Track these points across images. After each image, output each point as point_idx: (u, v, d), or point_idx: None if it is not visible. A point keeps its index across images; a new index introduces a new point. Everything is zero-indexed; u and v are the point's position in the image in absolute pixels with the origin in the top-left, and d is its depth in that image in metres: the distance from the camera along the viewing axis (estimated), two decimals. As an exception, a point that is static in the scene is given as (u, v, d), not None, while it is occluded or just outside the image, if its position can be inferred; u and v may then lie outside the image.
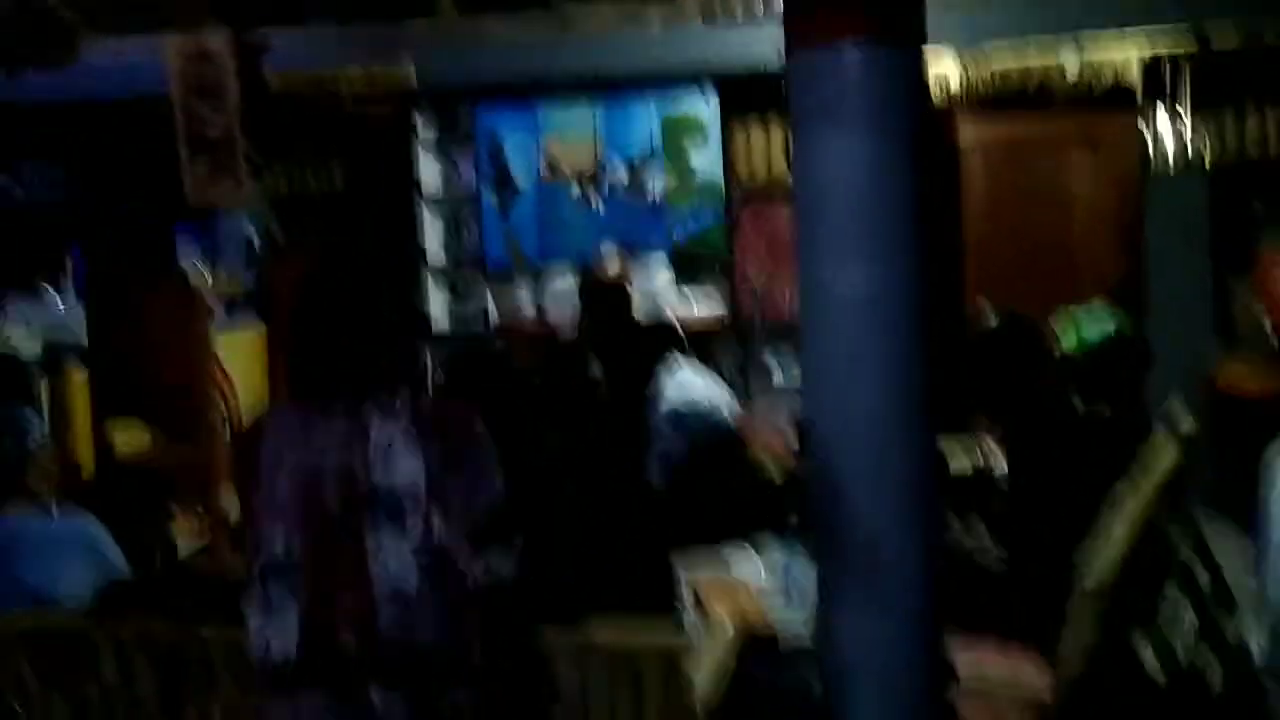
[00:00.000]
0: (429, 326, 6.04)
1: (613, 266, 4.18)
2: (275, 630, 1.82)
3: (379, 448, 1.83)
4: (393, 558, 1.81)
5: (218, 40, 5.41)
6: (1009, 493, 3.19)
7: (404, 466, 1.82)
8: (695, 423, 3.74)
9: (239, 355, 5.14)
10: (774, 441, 4.00)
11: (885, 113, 1.94)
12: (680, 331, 4.11)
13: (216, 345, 4.56)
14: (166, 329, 4.12)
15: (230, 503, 4.05)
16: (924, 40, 2.07)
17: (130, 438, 4.15)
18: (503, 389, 2.98)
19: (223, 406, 4.86)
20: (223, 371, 4.89)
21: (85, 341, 4.42)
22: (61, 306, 4.80)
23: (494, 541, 1.86)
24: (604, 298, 4.00)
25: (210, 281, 5.29)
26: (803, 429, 3.89)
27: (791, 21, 2.03)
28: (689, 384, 3.86)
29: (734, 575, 3.31)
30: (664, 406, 3.79)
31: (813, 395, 2.06)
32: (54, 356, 4.33)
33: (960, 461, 3.62)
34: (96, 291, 5.53)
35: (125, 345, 4.15)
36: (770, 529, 3.42)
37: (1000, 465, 3.43)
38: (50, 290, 4.91)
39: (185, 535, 4.27)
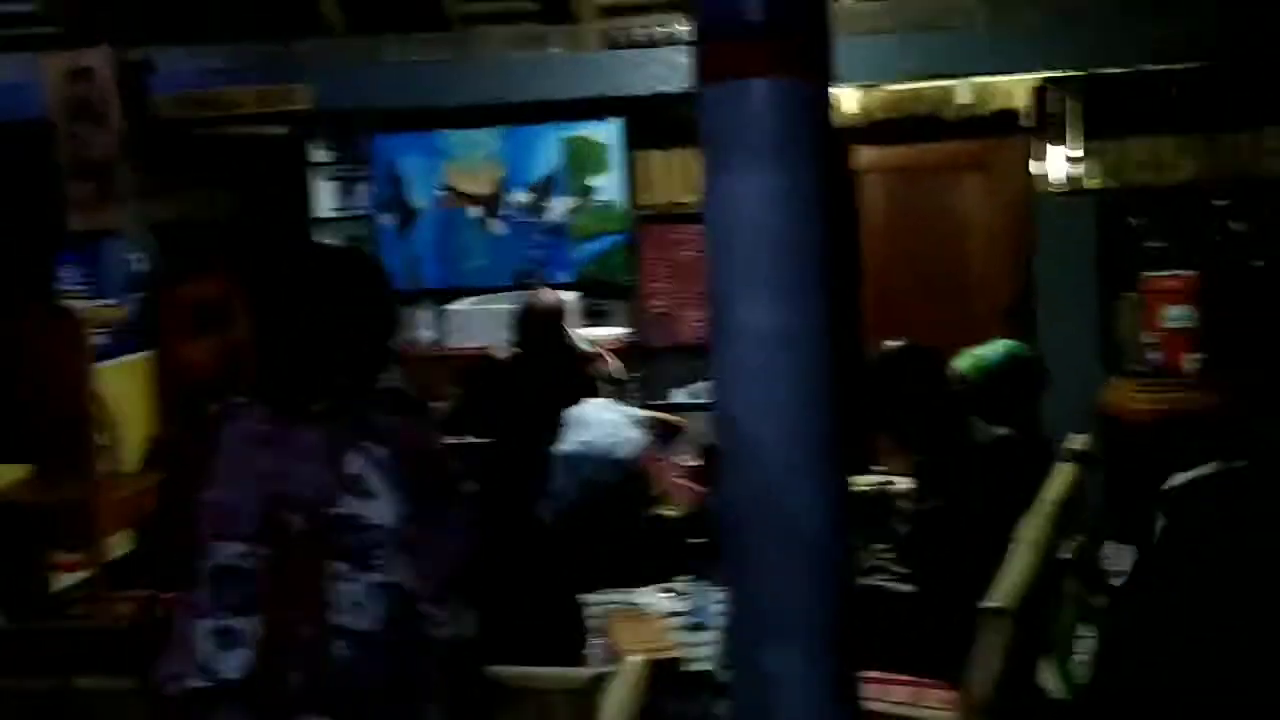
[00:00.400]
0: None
1: (549, 296, 4.18)
2: (221, 641, 1.71)
3: (351, 476, 1.73)
4: (351, 590, 1.71)
5: (99, 59, 5.24)
6: (913, 515, 3.22)
7: (376, 501, 1.73)
8: (587, 465, 3.73)
9: (123, 386, 4.95)
10: (678, 479, 4.01)
11: (795, 147, 1.94)
12: (608, 363, 4.11)
13: (98, 376, 4.39)
14: (44, 360, 3.95)
15: (111, 544, 3.88)
16: (831, 75, 2.08)
17: (2, 475, 3.95)
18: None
19: (104, 440, 4.67)
20: (103, 404, 4.70)
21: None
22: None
23: (461, 596, 1.77)
24: (541, 327, 3.99)
25: (91, 309, 5.09)
26: (710, 457, 3.93)
27: (701, 55, 2.01)
28: (591, 421, 3.83)
29: (641, 605, 3.31)
30: (562, 446, 3.77)
31: (724, 430, 2.03)
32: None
33: (861, 480, 3.67)
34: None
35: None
36: (675, 566, 3.41)
37: (901, 483, 3.48)
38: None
39: (62, 579, 4.09)
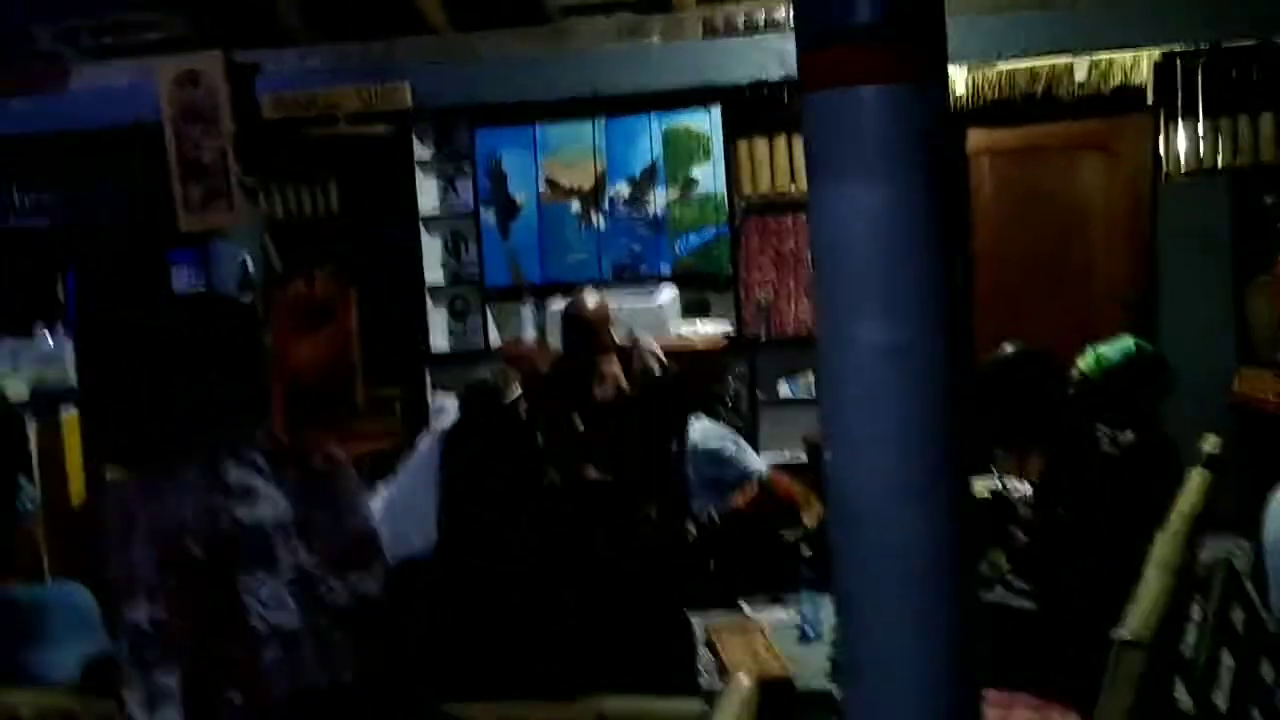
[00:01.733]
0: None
1: (591, 300, 3.98)
2: (152, 702, 1.75)
3: (237, 486, 1.77)
4: (268, 595, 1.75)
5: (208, 63, 5.33)
6: (1034, 526, 3.09)
7: (263, 500, 1.77)
8: (724, 474, 3.66)
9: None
10: (794, 488, 3.90)
11: (908, 157, 1.83)
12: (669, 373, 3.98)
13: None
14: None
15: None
16: (946, 76, 1.96)
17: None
18: (501, 429, 2.86)
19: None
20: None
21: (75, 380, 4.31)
22: (51, 342, 4.69)
23: (357, 566, 1.81)
24: (584, 332, 3.87)
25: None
26: (814, 454, 3.82)
27: (805, 61, 1.92)
28: (713, 432, 3.77)
29: (749, 617, 3.24)
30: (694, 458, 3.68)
31: (836, 452, 1.95)
32: (44, 399, 4.22)
33: (979, 486, 3.53)
34: (87, 322, 5.44)
35: (121, 380, 4.03)
36: (788, 578, 3.33)
37: (1021, 488, 3.34)
38: (41, 326, 4.81)
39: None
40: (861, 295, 1.89)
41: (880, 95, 1.82)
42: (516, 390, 3.87)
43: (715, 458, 3.67)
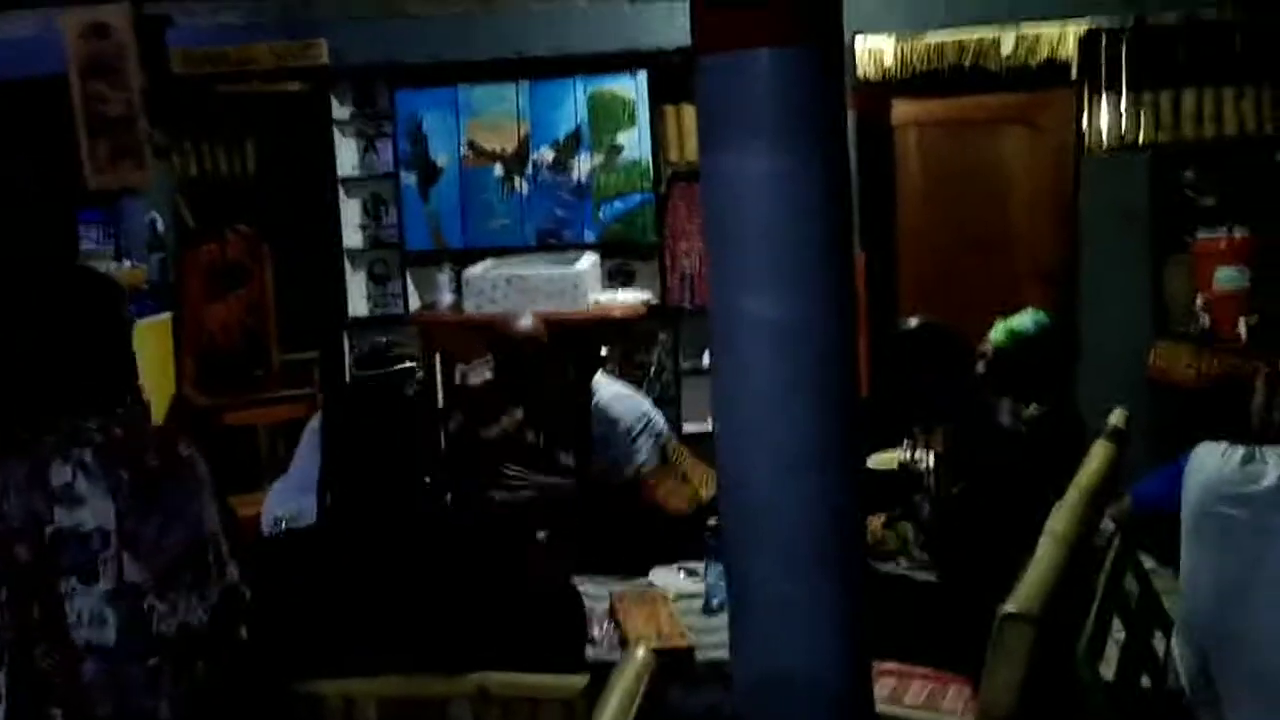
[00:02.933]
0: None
1: (525, 322, 3.80)
2: None
3: (60, 487, 1.69)
4: (86, 607, 1.68)
5: (116, 14, 5.16)
6: (937, 498, 3.11)
7: (87, 505, 1.68)
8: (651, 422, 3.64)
9: (146, 348, 4.93)
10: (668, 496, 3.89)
11: (802, 124, 1.81)
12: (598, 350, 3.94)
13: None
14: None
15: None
16: (842, 40, 1.93)
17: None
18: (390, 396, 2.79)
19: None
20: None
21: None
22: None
23: (187, 586, 1.72)
24: (518, 356, 3.70)
25: (112, 270, 5.07)
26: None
27: (701, 21, 1.89)
28: (617, 386, 3.75)
29: (654, 586, 3.23)
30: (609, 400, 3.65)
31: (724, 423, 1.94)
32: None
33: (887, 457, 3.54)
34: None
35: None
36: (690, 546, 3.33)
37: (928, 460, 3.36)
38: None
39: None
40: (752, 266, 1.87)
41: (774, 58, 1.79)
42: (409, 361, 3.81)
43: (603, 434, 3.62)
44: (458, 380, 4.08)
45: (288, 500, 3.52)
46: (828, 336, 1.83)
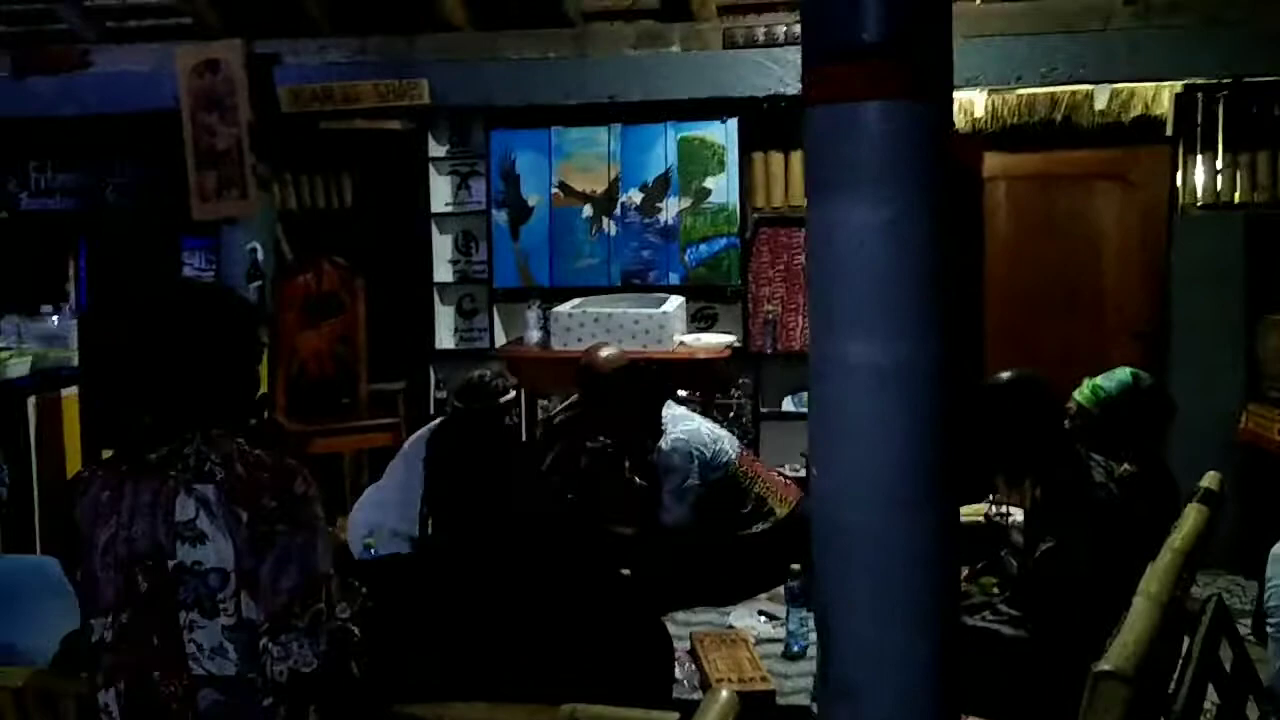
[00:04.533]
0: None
1: (609, 351, 3.92)
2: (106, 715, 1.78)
3: (184, 523, 1.73)
4: (206, 640, 1.73)
5: (228, 51, 5.36)
6: (1026, 553, 3.07)
7: (209, 544, 1.72)
8: (700, 458, 3.66)
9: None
10: (779, 482, 3.90)
11: (908, 175, 1.83)
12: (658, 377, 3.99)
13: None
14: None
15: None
16: (949, 95, 1.95)
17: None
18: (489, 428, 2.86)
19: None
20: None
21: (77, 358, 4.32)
22: (56, 322, 4.70)
23: (295, 630, 1.74)
24: (599, 387, 3.79)
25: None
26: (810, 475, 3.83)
27: (811, 75, 1.91)
28: (688, 415, 3.80)
29: (735, 628, 3.23)
30: (670, 438, 3.68)
31: (822, 469, 1.94)
32: (45, 378, 4.24)
33: (973, 510, 3.52)
34: (95, 305, 5.47)
35: (115, 364, 4.05)
36: (772, 580, 3.33)
37: (1016, 514, 3.33)
38: (48, 306, 4.83)
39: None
40: (855, 312, 1.88)
41: (883, 111, 1.81)
42: (510, 393, 3.89)
43: (674, 472, 3.64)
44: (545, 415, 4.17)
45: (372, 515, 3.61)
46: (930, 382, 1.83)
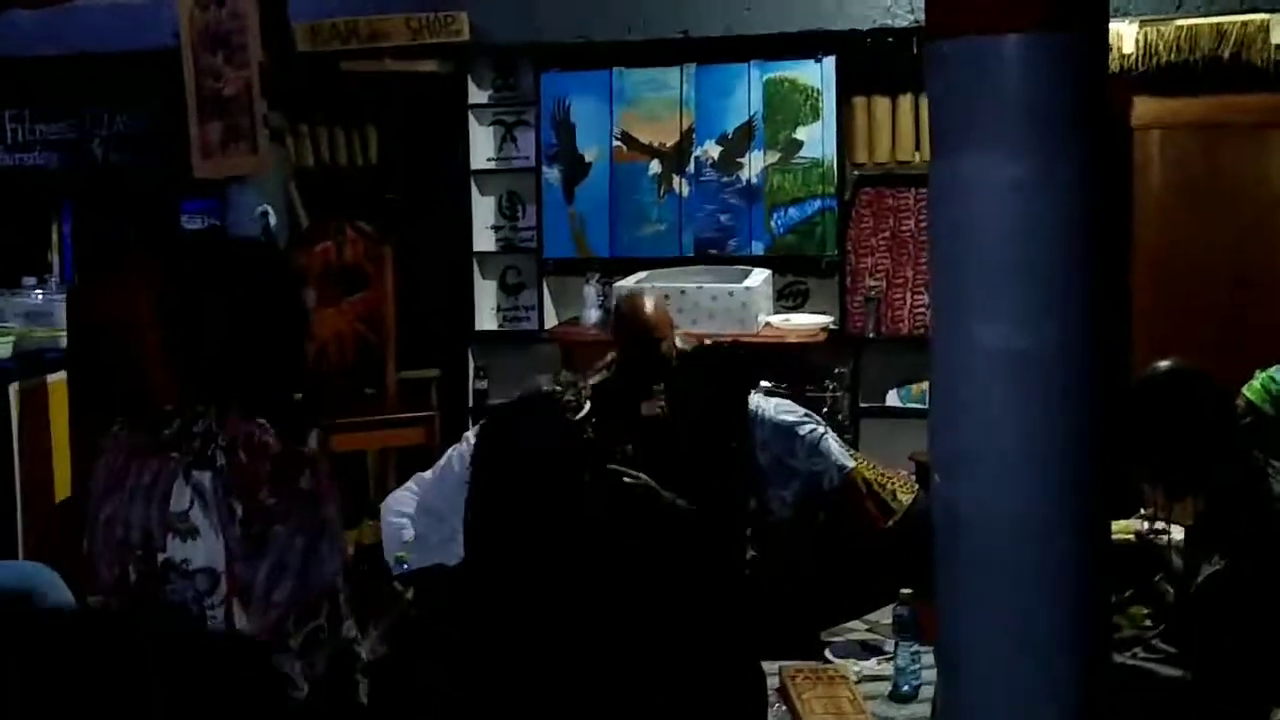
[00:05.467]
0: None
1: (650, 302, 3.92)
2: None
3: (178, 514, 1.76)
4: None
5: (236, -18, 5.43)
6: (1186, 577, 3.03)
7: (200, 540, 1.74)
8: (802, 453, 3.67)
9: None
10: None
11: (1053, 125, 1.80)
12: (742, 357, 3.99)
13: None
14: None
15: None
16: (1104, 26, 1.93)
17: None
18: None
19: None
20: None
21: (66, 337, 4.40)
22: (39, 294, 4.80)
23: (287, 650, 1.75)
24: (642, 341, 3.80)
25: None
26: (924, 476, 3.81)
27: (935, 3, 1.90)
28: (783, 407, 3.79)
29: (832, 664, 3.23)
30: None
31: (948, 477, 1.93)
32: (29, 360, 4.33)
33: (1122, 527, 3.48)
34: (84, 277, 5.57)
35: (115, 339, 4.14)
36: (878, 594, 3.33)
37: (1174, 533, 3.29)
38: (31, 279, 4.94)
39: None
40: (988, 290, 1.86)
41: (1022, 46, 1.79)
42: (586, 406, 3.91)
43: (786, 433, 3.66)
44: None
45: (407, 522, 3.65)
46: (1081, 374, 1.81)
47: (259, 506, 1.76)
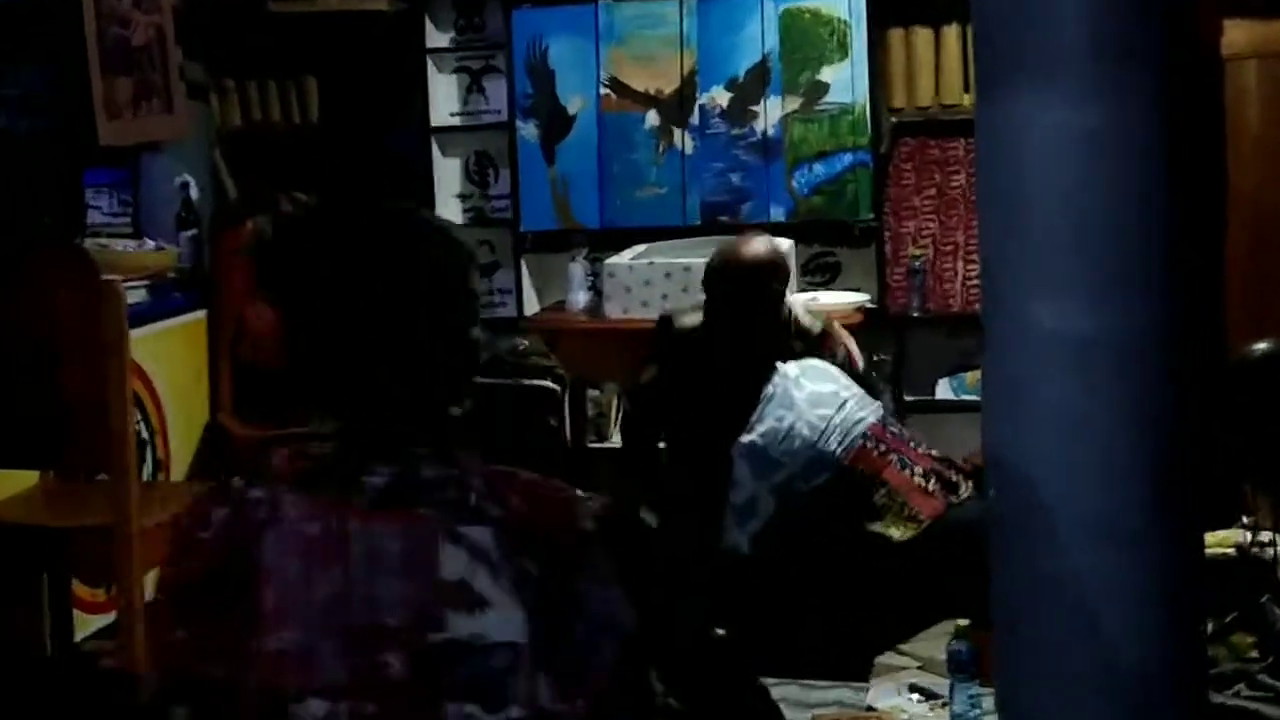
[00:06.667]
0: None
1: (759, 244, 4.20)
2: None
3: (454, 583, 1.69)
4: None
5: (143, -92, 5.44)
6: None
7: (495, 611, 1.70)
8: (779, 463, 3.79)
9: (169, 357, 5.15)
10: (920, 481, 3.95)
11: (1122, 58, 1.81)
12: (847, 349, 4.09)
13: (135, 345, 4.56)
14: (61, 323, 4.11)
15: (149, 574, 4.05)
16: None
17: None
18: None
19: (143, 432, 4.88)
20: (145, 381, 4.90)
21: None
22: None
23: (629, 709, 1.74)
24: (747, 288, 4.05)
25: (127, 253, 5.30)
26: (974, 476, 3.87)
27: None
28: (794, 396, 3.90)
29: (873, 708, 3.26)
30: (748, 435, 3.84)
31: (1004, 482, 1.95)
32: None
33: (1220, 539, 3.51)
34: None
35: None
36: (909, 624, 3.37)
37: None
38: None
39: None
40: (1047, 260, 1.87)
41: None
42: (554, 386, 4.01)
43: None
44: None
45: None
46: (1161, 362, 1.82)
47: (559, 559, 1.73)
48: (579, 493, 1.79)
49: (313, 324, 1.74)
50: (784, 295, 4.17)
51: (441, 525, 1.69)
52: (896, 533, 3.78)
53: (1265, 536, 3.33)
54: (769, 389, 3.87)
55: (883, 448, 3.88)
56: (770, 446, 3.81)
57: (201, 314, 5.57)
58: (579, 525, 1.75)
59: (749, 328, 4.07)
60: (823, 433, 3.83)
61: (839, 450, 3.83)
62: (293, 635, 1.71)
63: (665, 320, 4.37)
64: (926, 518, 3.81)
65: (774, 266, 4.12)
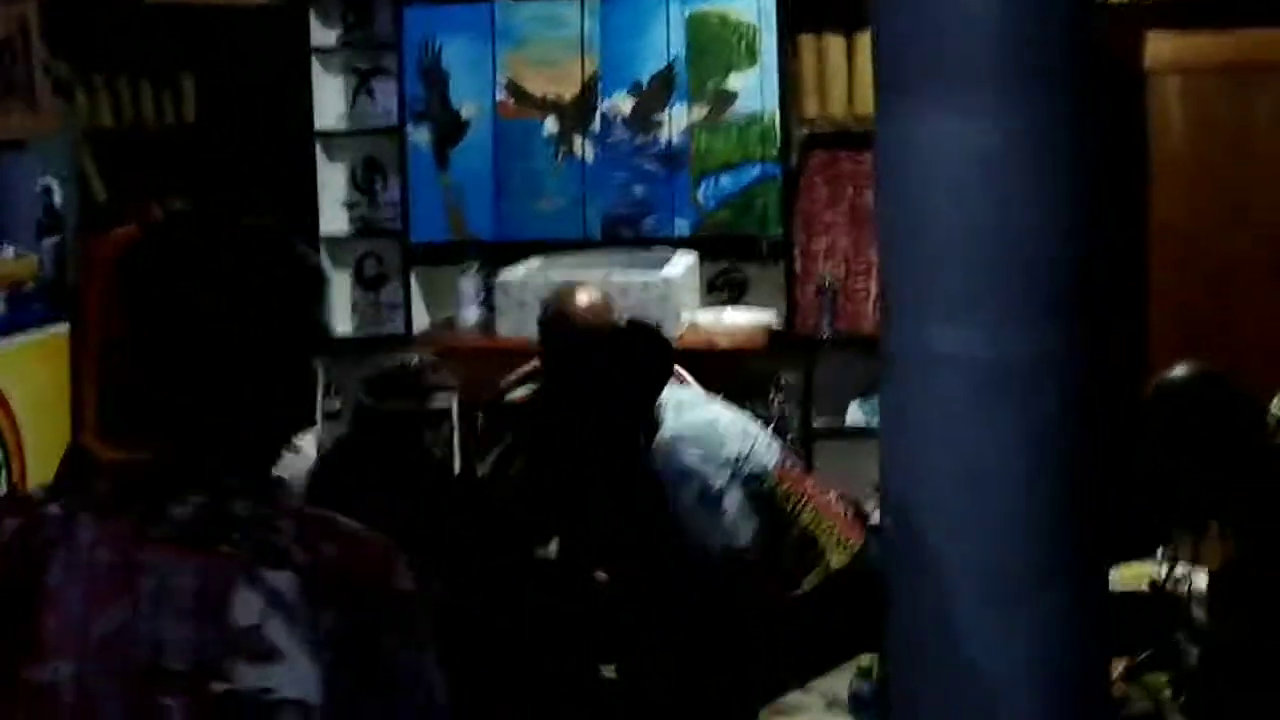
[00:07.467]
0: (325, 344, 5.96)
1: (585, 297, 4.09)
2: None
3: (245, 629, 1.66)
4: None
5: (6, -109, 5.36)
6: (1212, 634, 3.09)
7: (287, 664, 1.66)
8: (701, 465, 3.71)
9: (28, 372, 5.07)
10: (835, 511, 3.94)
11: (1029, 68, 1.82)
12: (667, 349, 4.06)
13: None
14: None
15: None
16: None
17: None
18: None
19: None
20: (0, 399, 4.83)
21: None
22: None
23: None
24: (571, 345, 3.91)
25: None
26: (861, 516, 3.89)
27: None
28: (694, 402, 3.85)
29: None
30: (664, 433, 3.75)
31: (901, 520, 1.94)
32: None
33: (1134, 574, 3.55)
34: None
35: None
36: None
37: (1199, 578, 3.35)
38: None
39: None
40: (946, 282, 1.87)
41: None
42: (448, 395, 3.95)
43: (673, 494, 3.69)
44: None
45: None
46: (1064, 383, 1.83)
47: (362, 618, 1.66)
48: (399, 550, 1.71)
49: (134, 341, 1.69)
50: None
51: (241, 566, 1.63)
52: (835, 556, 3.76)
53: (1181, 571, 3.37)
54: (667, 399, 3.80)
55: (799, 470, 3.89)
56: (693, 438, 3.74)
57: (64, 327, 5.50)
58: (396, 583, 1.71)
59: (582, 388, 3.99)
60: (749, 436, 3.79)
61: (769, 460, 3.79)
62: (68, 668, 1.64)
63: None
64: (856, 544, 3.81)
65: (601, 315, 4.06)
